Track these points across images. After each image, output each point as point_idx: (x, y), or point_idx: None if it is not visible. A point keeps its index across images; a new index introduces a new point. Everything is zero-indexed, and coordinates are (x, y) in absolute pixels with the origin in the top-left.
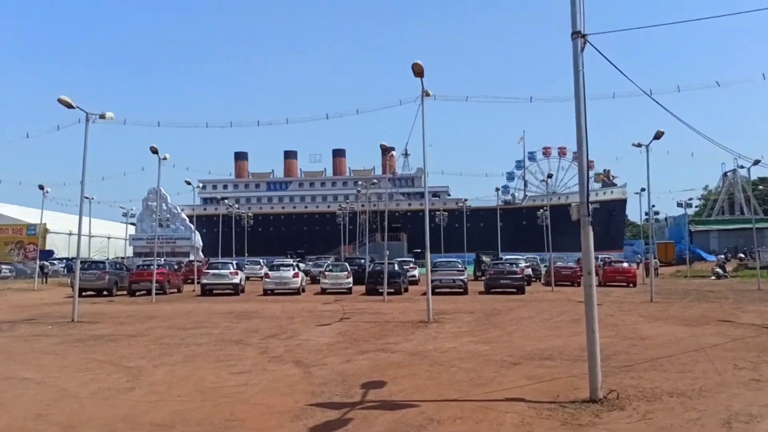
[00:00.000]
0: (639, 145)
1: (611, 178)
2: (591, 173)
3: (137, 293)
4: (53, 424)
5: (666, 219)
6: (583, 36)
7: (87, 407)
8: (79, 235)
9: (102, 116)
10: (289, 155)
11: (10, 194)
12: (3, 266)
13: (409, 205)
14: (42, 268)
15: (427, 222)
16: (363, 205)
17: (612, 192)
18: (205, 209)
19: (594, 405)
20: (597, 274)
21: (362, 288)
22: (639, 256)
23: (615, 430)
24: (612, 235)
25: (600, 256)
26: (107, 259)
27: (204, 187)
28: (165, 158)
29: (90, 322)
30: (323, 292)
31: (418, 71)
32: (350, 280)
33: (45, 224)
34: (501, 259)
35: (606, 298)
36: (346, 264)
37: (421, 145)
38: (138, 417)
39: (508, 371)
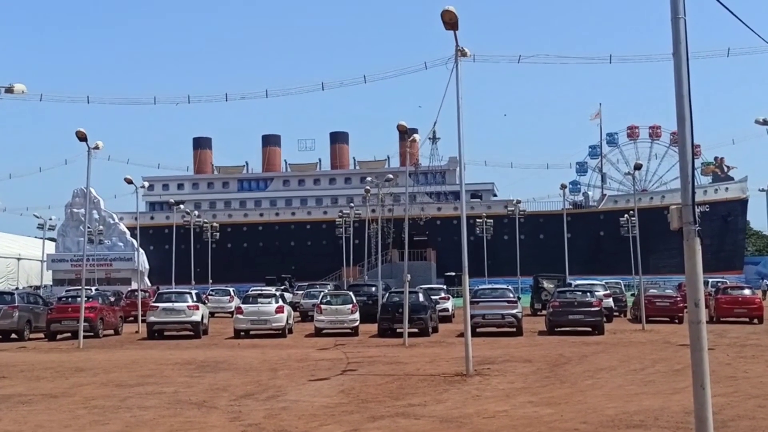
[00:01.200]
0: (764, 123)
1: (726, 169)
2: (697, 162)
3: (59, 336)
4: None
5: None
6: None
7: None
8: None
9: (9, 90)
10: (270, 141)
11: None
12: None
13: (439, 209)
14: None
15: (464, 233)
16: (373, 211)
17: (727, 189)
18: (152, 218)
19: None
20: (707, 306)
21: (373, 327)
22: (766, 280)
23: None
24: (728, 251)
25: (711, 279)
26: (17, 288)
27: (151, 188)
28: (96, 147)
29: None
30: (318, 332)
31: (450, 21)
32: (356, 316)
33: None
34: (570, 285)
35: (721, 340)
36: (350, 294)
37: (455, 126)
38: None
39: None
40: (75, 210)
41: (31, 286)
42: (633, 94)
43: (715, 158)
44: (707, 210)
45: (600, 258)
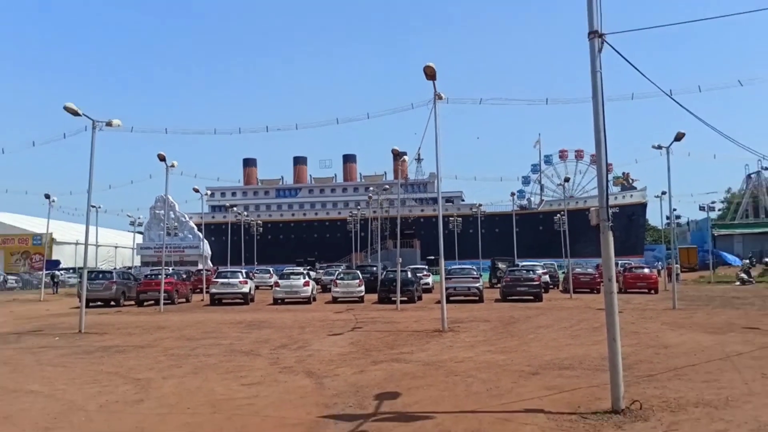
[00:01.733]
0: (659, 147)
1: (630, 181)
2: (610, 176)
3: (145, 303)
4: None
5: (688, 223)
6: (601, 36)
7: (95, 420)
8: (86, 244)
9: (108, 124)
10: (299, 161)
11: (15, 204)
12: (9, 277)
13: (422, 211)
14: (53, 277)
15: (440, 228)
16: (374, 212)
17: (631, 196)
18: (213, 217)
19: (616, 416)
20: (617, 281)
21: (374, 296)
22: (660, 262)
23: None
24: (632, 241)
25: (620, 261)
26: (115, 268)
27: (212, 195)
28: (173, 166)
29: (97, 333)
30: (334, 300)
31: (430, 74)
32: (362, 288)
33: (51, 234)
34: (517, 265)
35: (627, 306)
36: (358, 272)
37: (434, 150)
38: (147, 430)
39: (527, 382)
40: (157, 211)
41: (125, 267)
42: (564, 126)
43: (623, 173)
44: (617, 211)
45: (539, 246)
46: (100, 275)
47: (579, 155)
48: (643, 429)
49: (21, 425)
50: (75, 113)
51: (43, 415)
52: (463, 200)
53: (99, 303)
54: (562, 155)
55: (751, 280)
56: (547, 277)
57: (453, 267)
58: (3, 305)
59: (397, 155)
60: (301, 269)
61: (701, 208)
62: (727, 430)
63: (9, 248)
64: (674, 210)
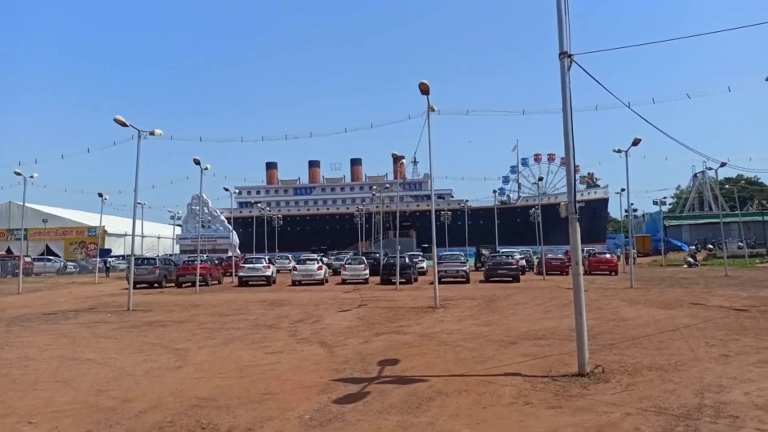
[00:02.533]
0: (619, 151)
1: (595, 180)
2: (577, 176)
3: (183, 285)
4: (112, 398)
5: (643, 215)
6: (570, 56)
7: (141, 384)
8: (133, 235)
9: (152, 133)
10: (313, 164)
11: (74, 201)
12: (69, 263)
13: (418, 206)
14: (105, 263)
15: (433, 220)
16: (377, 207)
17: (595, 192)
18: (241, 212)
19: (582, 378)
20: (583, 265)
21: (377, 278)
22: (620, 248)
23: (601, 400)
24: (596, 230)
25: (585, 248)
26: (157, 256)
27: (240, 193)
28: (206, 168)
29: (143, 311)
30: (344, 282)
31: (424, 90)
32: (367, 271)
33: (104, 226)
34: (498, 252)
35: (591, 285)
36: (364, 258)
37: (428, 154)
38: (185, 392)
39: (506, 350)
40: (193, 207)
41: (166, 255)
42: (539, 133)
43: (588, 173)
44: (583, 205)
45: (517, 235)
46: (146, 261)
47: (551, 158)
48: (605, 389)
49: (79, 388)
50: (123, 124)
51: (98, 380)
52: (452, 197)
53: (144, 285)
54: (537, 158)
55: (696, 263)
56: (523, 262)
57: (444, 253)
58: (63, 287)
59: (396, 159)
60: (315, 256)
61: (654, 203)
62: (676, 389)
63: (68, 239)
64: (632, 204)
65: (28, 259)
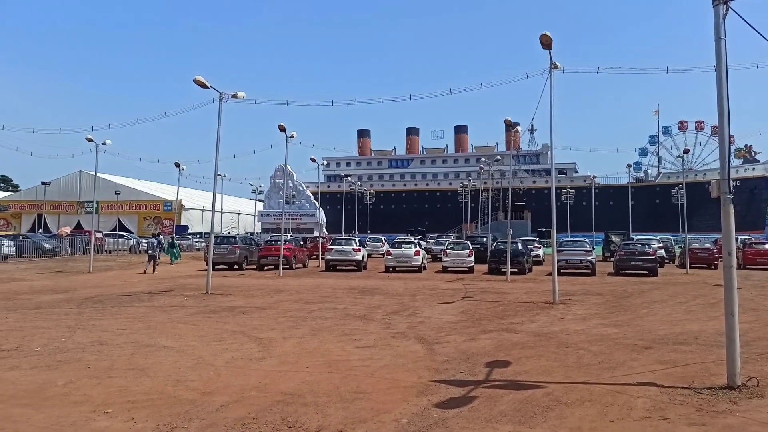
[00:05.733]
0: None
1: (753, 153)
2: (732, 148)
3: (265, 268)
4: (191, 390)
5: None
6: (725, 2)
7: (222, 375)
8: (213, 212)
9: (234, 96)
10: (411, 132)
11: (148, 171)
12: (142, 240)
13: (534, 182)
14: (159, 243)
15: (553, 200)
16: (485, 183)
17: (753, 169)
18: (329, 186)
19: (732, 392)
20: (737, 256)
21: (484, 267)
22: None
23: (755, 419)
24: (753, 216)
25: (740, 237)
26: (238, 234)
27: (328, 165)
28: (292, 136)
29: (222, 295)
30: (444, 270)
31: (546, 43)
32: (472, 258)
33: (180, 200)
34: (632, 239)
35: (746, 282)
36: (468, 242)
37: (548, 119)
38: (269, 386)
39: (639, 355)
40: (276, 180)
41: (246, 233)
42: (684, 97)
43: (745, 146)
44: (738, 185)
45: (655, 219)
46: (225, 240)
47: (699, 126)
48: (759, 406)
49: (156, 377)
50: (203, 86)
51: (175, 369)
52: (576, 172)
53: (223, 267)
54: (682, 126)
55: None
56: (662, 252)
57: (565, 239)
58: (137, 267)
59: (510, 126)
60: (412, 238)
61: None
62: None
63: (142, 213)
64: None
65: (99, 235)
